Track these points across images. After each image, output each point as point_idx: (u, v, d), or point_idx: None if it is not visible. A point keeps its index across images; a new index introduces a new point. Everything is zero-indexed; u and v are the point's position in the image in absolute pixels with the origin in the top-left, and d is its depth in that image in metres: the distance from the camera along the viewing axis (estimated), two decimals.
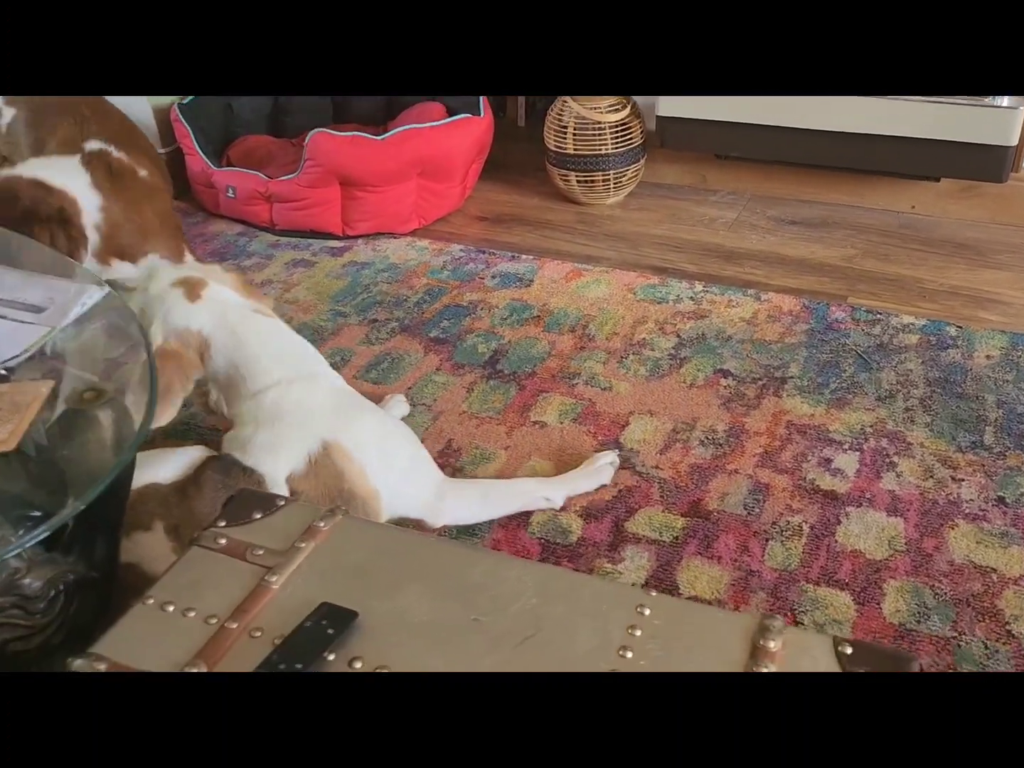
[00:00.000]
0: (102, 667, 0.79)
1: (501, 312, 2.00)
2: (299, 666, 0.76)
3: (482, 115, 2.41)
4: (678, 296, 2.00)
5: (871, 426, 1.58)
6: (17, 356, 1.02)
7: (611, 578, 1.31)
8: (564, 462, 1.55)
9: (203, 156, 2.47)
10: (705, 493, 1.46)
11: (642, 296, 2.02)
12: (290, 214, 2.38)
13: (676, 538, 1.38)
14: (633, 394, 1.71)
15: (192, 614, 0.85)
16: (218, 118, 2.63)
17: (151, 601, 0.87)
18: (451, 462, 1.57)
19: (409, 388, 1.77)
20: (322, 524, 0.94)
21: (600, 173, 2.38)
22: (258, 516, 0.96)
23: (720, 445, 1.56)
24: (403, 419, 1.67)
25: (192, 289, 1.34)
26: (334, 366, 1.83)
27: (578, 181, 2.40)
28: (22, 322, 1.09)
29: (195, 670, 0.78)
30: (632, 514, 1.43)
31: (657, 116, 2.29)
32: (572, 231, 2.35)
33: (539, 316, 1.98)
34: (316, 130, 2.27)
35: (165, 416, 1.25)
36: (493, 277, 2.15)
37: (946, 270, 2.04)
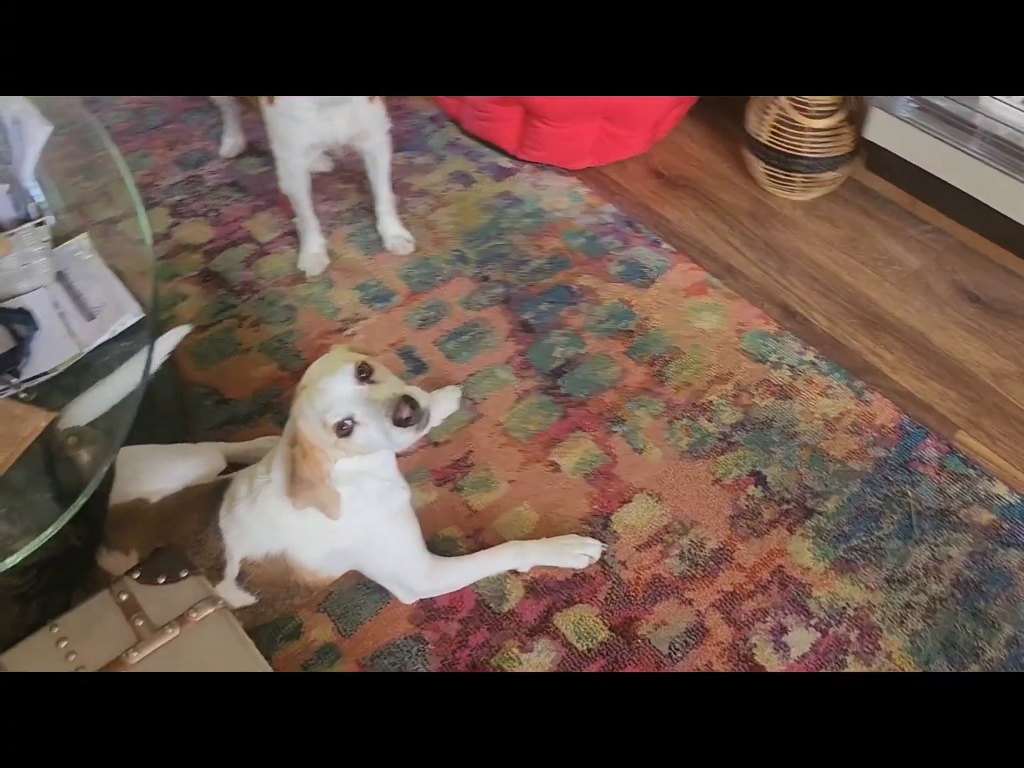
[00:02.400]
0: None
1: (600, 313, 1.99)
2: None
3: None
4: (780, 360, 1.89)
5: (856, 608, 1.52)
6: (45, 375, 1.27)
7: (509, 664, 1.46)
8: (550, 521, 1.64)
9: None
10: (646, 613, 1.52)
11: (746, 345, 1.92)
12: (473, 121, 2.39)
13: (589, 651, 1.48)
14: (658, 467, 1.71)
15: (72, 658, 1.12)
16: None
17: (55, 631, 1.15)
18: (455, 477, 1.70)
19: (471, 375, 1.88)
20: (195, 615, 1.15)
21: (792, 173, 2.15)
22: (161, 581, 1.19)
23: (697, 564, 1.58)
24: (447, 417, 1.79)
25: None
26: (425, 320, 1.98)
27: (766, 173, 2.20)
28: (69, 331, 1.32)
29: None
30: (569, 606, 1.53)
31: (864, 137, 2.00)
32: (736, 225, 2.20)
33: (632, 331, 1.95)
34: None
35: None
36: (620, 263, 2.10)
37: None
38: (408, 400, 1.23)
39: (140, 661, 1.11)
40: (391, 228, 2.15)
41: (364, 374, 1.25)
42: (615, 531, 1.63)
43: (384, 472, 1.40)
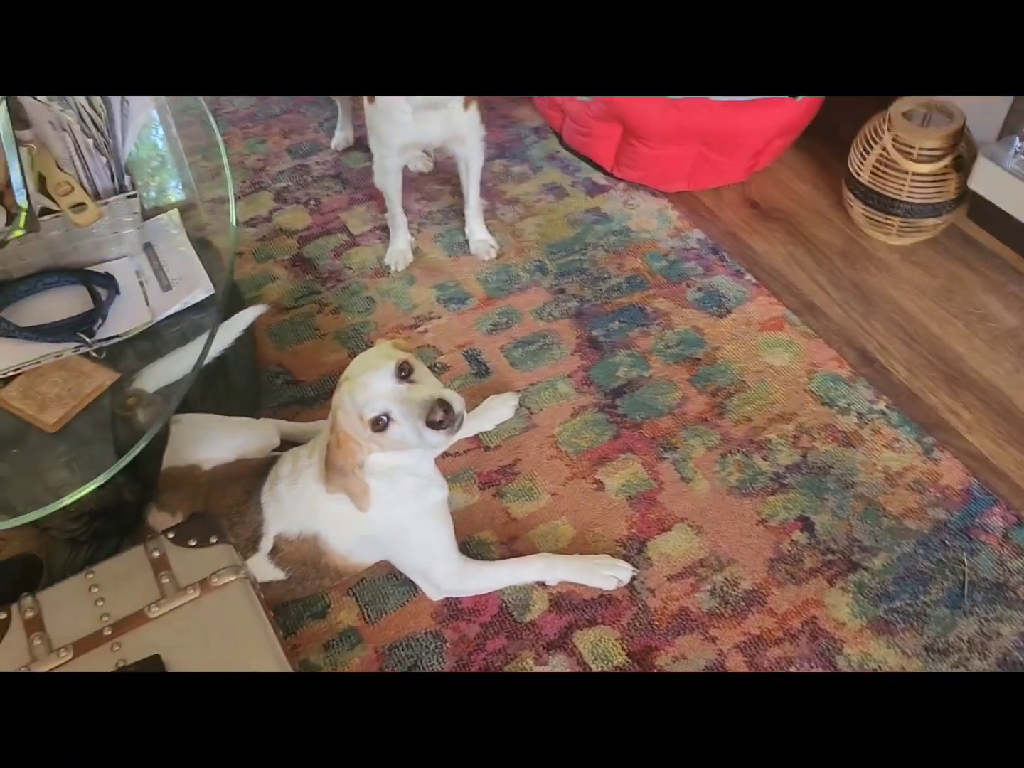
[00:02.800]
0: (30, 613, 1.18)
1: (670, 338, 1.98)
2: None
3: (799, 98, 2.16)
4: (848, 405, 1.83)
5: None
6: (116, 337, 1.35)
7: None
8: (585, 539, 1.64)
9: None
10: (667, 645, 1.50)
11: (815, 386, 1.87)
12: (574, 135, 2.41)
13: (602, 672, 1.47)
14: (703, 499, 1.69)
15: (100, 604, 1.19)
16: None
17: (91, 576, 1.22)
18: (500, 483, 1.72)
19: (532, 384, 1.90)
20: (216, 580, 1.21)
21: (891, 216, 2.08)
22: (192, 544, 1.25)
23: (727, 603, 1.55)
24: (501, 423, 1.81)
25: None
26: (496, 326, 2.01)
27: (864, 214, 2.13)
28: (146, 299, 1.41)
29: (59, 660, 1.13)
30: (590, 626, 1.52)
31: (969, 187, 1.92)
32: (824, 263, 2.14)
33: (699, 360, 1.93)
34: None
35: None
36: (699, 290, 2.08)
37: None
38: (443, 403, 1.25)
39: (159, 616, 1.17)
40: (477, 232, 2.19)
41: (404, 373, 1.29)
42: (649, 557, 1.61)
43: (420, 469, 1.44)
